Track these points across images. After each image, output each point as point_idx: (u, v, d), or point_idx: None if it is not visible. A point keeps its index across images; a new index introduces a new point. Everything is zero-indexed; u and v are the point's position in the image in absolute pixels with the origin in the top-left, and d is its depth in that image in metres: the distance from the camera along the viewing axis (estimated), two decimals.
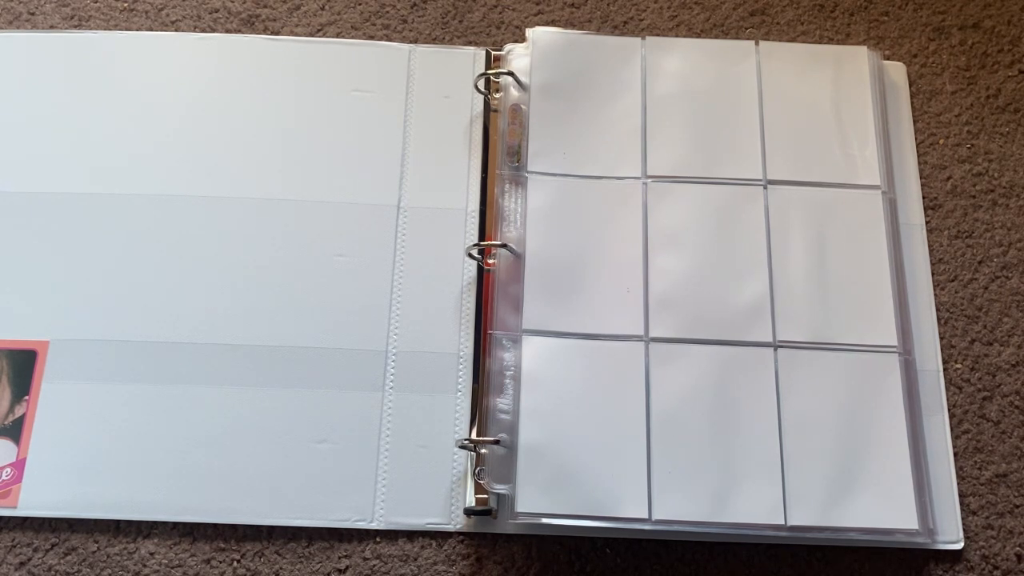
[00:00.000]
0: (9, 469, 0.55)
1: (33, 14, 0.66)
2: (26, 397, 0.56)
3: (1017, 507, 0.55)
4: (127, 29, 0.66)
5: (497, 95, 0.63)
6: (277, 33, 0.66)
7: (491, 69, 0.64)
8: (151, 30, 0.66)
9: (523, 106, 0.61)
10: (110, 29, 0.66)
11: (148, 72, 0.64)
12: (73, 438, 0.55)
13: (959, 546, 0.54)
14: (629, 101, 0.62)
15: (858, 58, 0.63)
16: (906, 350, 0.56)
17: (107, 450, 0.55)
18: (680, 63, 0.63)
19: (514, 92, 0.62)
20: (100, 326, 0.58)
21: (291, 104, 0.63)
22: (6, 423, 0.56)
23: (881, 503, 0.52)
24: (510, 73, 0.62)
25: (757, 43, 0.64)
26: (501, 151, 0.60)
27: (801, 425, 0.54)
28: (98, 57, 0.64)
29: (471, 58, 0.65)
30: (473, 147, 0.63)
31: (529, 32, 0.63)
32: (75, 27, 0.65)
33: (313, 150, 0.62)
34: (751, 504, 0.52)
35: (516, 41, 0.65)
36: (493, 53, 0.65)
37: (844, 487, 0.52)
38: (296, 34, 0.66)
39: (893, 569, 0.53)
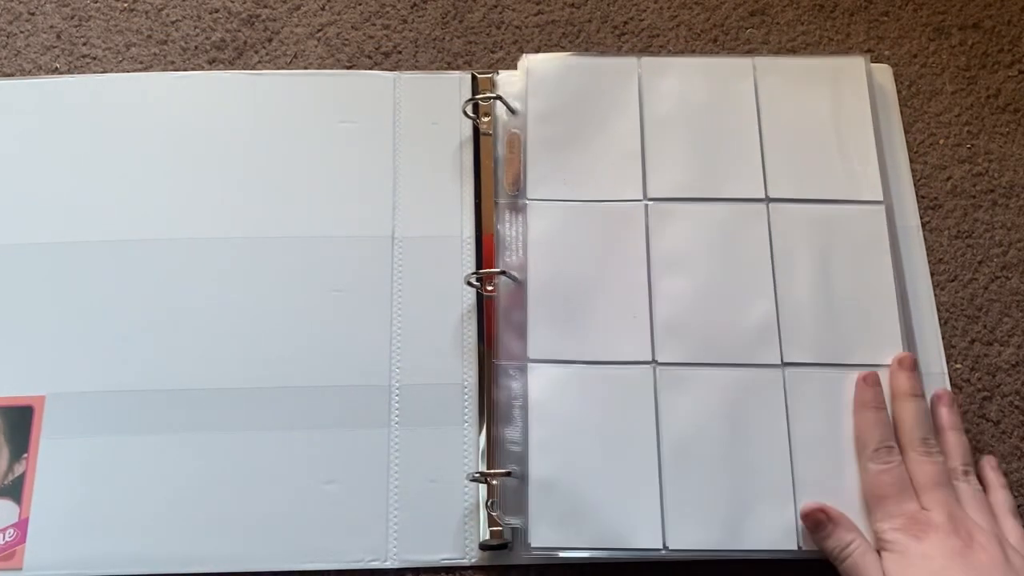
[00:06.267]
0: (12, 530, 0.53)
1: (33, 14, 0.66)
2: (25, 455, 0.54)
3: (1017, 507, 0.55)
4: (127, 29, 0.65)
5: (486, 118, 0.62)
6: (278, 33, 0.66)
7: (478, 93, 0.63)
8: (151, 30, 0.65)
9: (514, 130, 0.60)
10: (110, 31, 0.65)
11: (131, 115, 0.62)
12: (76, 494, 0.53)
13: None
14: (627, 123, 0.61)
15: (855, 70, 0.62)
16: None
17: (112, 504, 0.53)
18: (677, 83, 0.62)
19: (504, 116, 0.61)
20: (97, 377, 0.56)
21: (278, 140, 0.62)
22: (6, 483, 0.54)
23: None
24: (498, 97, 0.61)
25: (754, 60, 0.63)
26: (500, 179, 0.59)
27: (811, 446, 0.53)
28: (81, 103, 0.63)
29: (456, 83, 0.64)
30: (464, 173, 0.62)
31: (522, 61, 0.62)
32: (75, 27, 0.65)
33: (303, 185, 0.61)
34: (764, 530, 0.51)
35: (516, 41, 0.65)
36: (479, 76, 0.64)
37: (857, 510, 0.51)
38: (296, 34, 0.66)
39: None
